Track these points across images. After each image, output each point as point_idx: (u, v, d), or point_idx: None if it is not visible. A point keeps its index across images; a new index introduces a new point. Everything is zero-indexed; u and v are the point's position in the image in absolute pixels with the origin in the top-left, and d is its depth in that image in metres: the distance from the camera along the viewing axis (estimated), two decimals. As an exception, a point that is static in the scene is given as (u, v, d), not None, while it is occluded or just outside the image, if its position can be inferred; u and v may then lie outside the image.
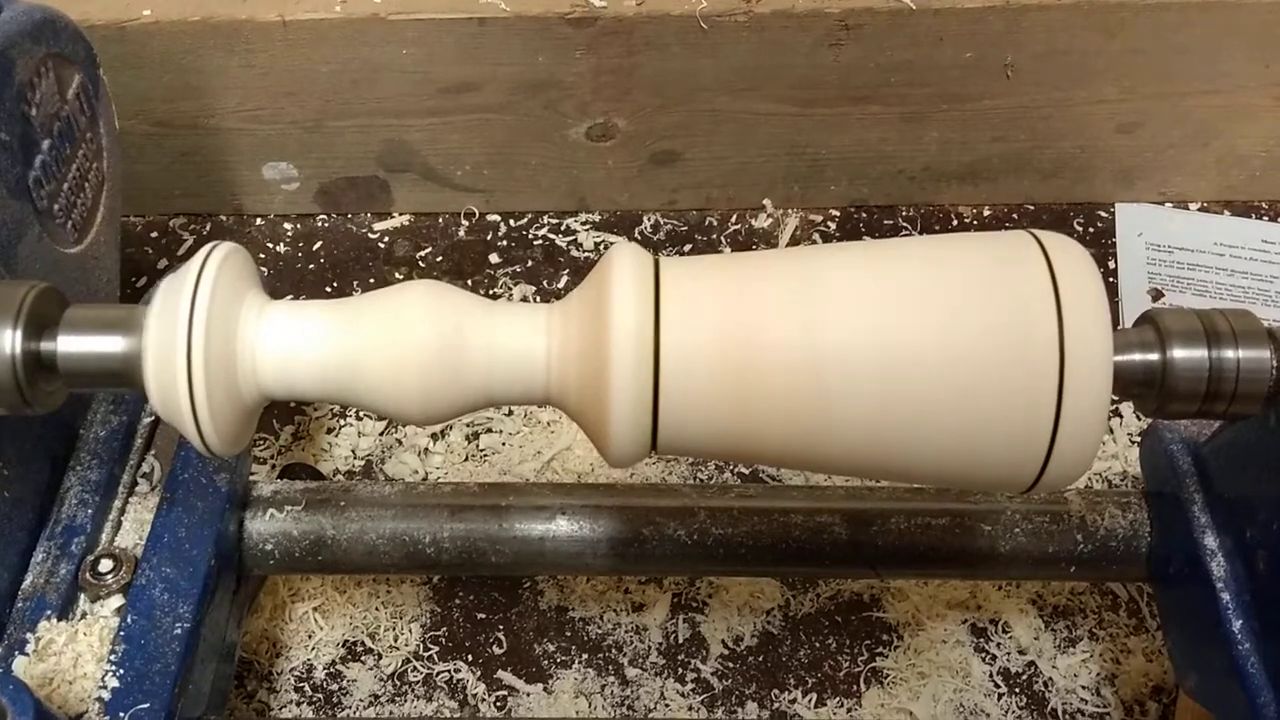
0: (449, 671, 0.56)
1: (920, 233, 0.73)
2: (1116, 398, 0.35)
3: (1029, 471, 0.35)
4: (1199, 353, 0.36)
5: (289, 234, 0.73)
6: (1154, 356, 0.37)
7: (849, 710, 0.55)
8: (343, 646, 0.57)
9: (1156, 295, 0.69)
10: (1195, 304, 0.69)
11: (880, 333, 0.34)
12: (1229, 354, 0.36)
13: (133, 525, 0.47)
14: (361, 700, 0.55)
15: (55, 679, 0.42)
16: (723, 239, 0.73)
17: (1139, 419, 0.64)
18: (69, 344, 0.36)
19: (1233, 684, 0.44)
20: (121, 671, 0.42)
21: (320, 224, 0.74)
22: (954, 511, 0.50)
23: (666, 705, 0.55)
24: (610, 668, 0.56)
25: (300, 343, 0.36)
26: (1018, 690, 0.56)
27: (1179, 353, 0.36)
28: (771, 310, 0.34)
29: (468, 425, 0.64)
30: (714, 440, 0.35)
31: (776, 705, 0.55)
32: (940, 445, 0.34)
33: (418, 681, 0.56)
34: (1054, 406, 0.33)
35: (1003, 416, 0.33)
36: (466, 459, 0.63)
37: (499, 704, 0.55)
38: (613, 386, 0.33)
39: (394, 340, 0.35)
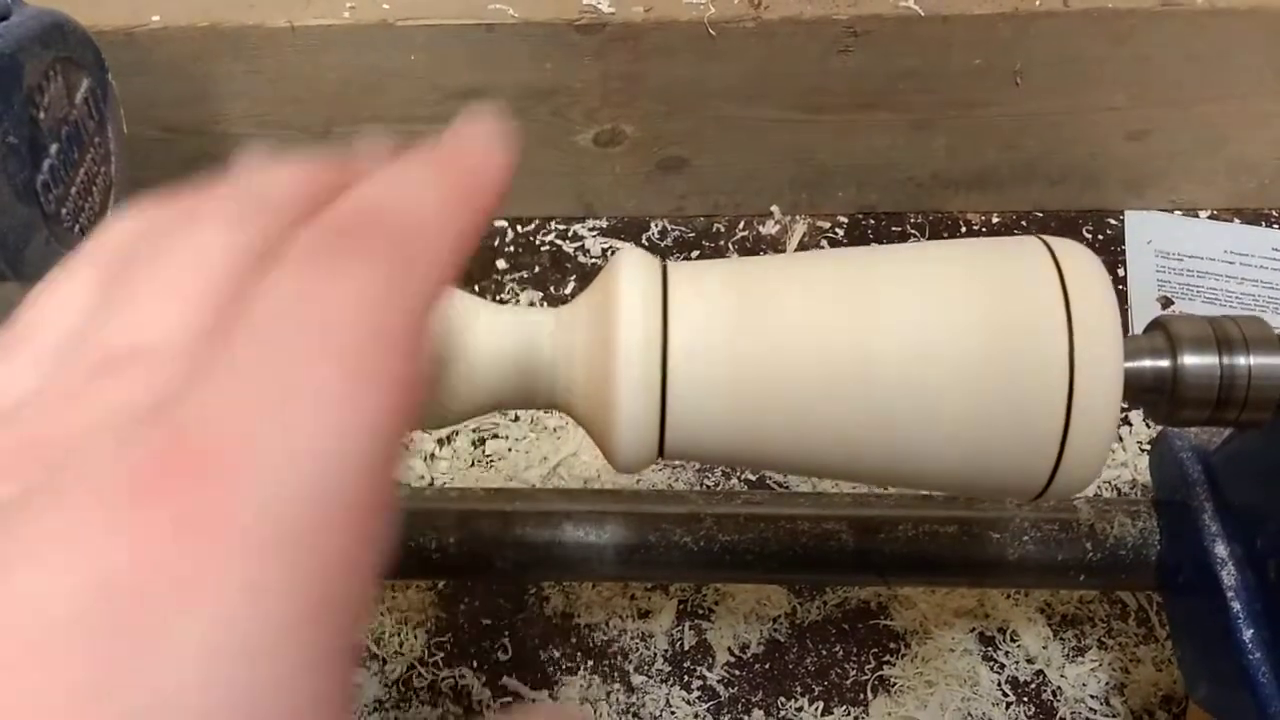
0: (454, 678, 0.56)
1: (929, 239, 0.73)
2: (1126, 405, 0.35)
3: (1038, 478, 0.34)
4: (1210, 359, 0.36)
5: (296, 239, 0.73)
6: (1164, 363, 0.36)
7: (856, 718, 0.55)
8: (348, 652, 0.57)
9: (1166, 303, 0.69)
10: (1205, 312, 0.68)
11: (889, 337, 0.33)
12: (1240, 361, 0.36)
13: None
14: (365, 706, 0.55)
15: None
16: (730, 245, 0.73)
17: (1148, 426, 0.64)
18: (75, 347, 0.36)
19: (1244, 694, 0.44)
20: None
21: (328, 229, 0.74)
22: (962, 519, 0.50)
23: (672, 713, 0.55)
24: (616, 674, 0.56)
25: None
26: (1026, 699, 0.55)
27: (1190, 359, 0.36)
28: (779, 315, 0.34)
29: (474, 430, 0.64)
30: (721, 445, 0.35)
31: (783, 713, 0.55)
32: (948, 451, 0.34)
33: (422, 688, 0.56)
34: (1064, 412, 0.33)
35: (1012, 422, 0.33)
36: (472, 464, 0.63)
37: (504, 710, 0.55)
38: (620, 391, 0.33)
39: (400, 344, 0.35)
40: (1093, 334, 0.33)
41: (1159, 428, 0.58)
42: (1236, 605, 0.45)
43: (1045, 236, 0.36)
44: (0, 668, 0.13)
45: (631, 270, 0.35)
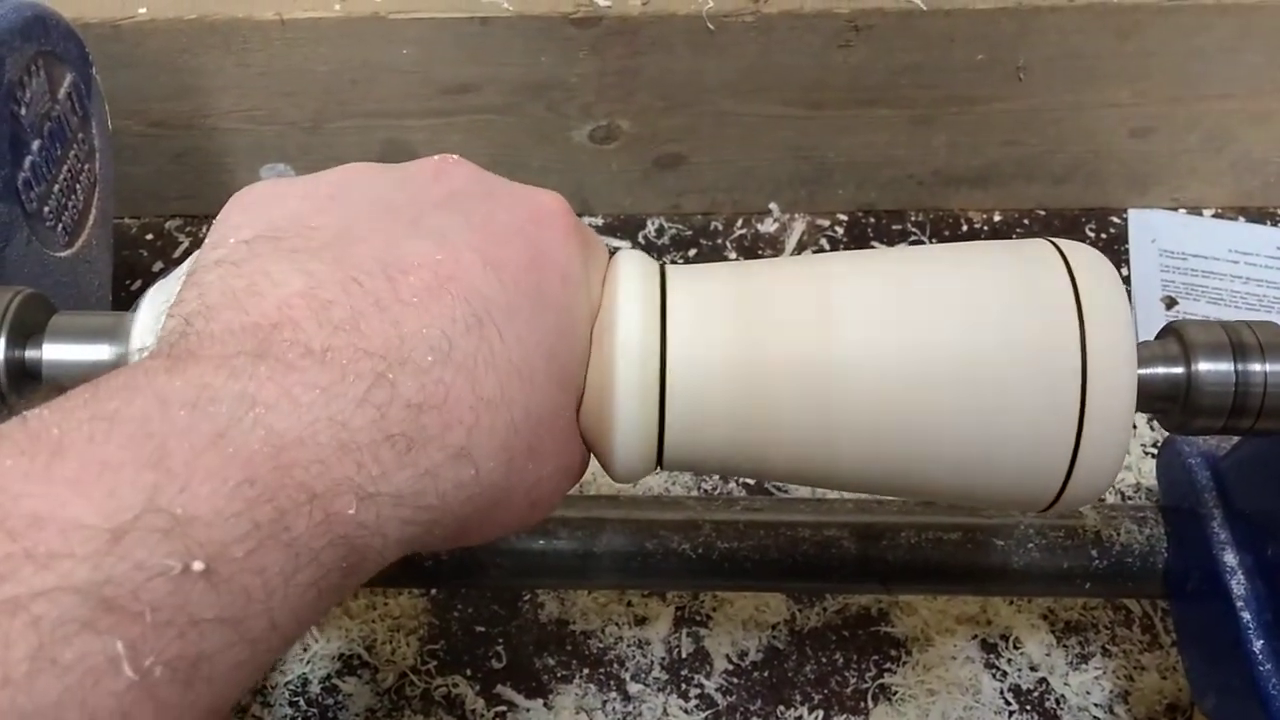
0: (447, 686, 0.55)
1: (930, 238, 0.72)
2: (1137, 412, 0.34)
3: (1049, 490, 0.33)
4: (1224, 366, 0.35)
5: (287, 237, 0.72)
6: (1178, 370, 0.35)
7: (856, 727, 0.54)
8: (339, 660, 0.56)
9: (1170, 303, 0.68)
10: (1209, 312, 0.68)
11: (894, 346, 0.32)
12: (1255, 367, 0.35)
13: (122, 537, 0.45)
14: (358, 715, 0.54)
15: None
16: (728, 243, 0.72)
17: (1152, 429, 0.63)
18: (54, 352, 0.35)
19: (1254, 706, 0.43)
20: (109, 689, 0.41)
21: (318, 226, 0.72)
22: (966, 526, 0.49)
23: (669, 721, 0.54)
24: (612, 683, 0.55)
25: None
26: (1029, 708, 0.54)
27: (1204, 366, 0.35)
28: (782, 321, 0.33)
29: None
30: (722, 455, 0.34)
31: (782, 722, 0.54)
32: (957, 462, 0.33)
33: (415, 697, 0.55)
34: (1075, 422, 0.32)
35: (1022, 433, 0.32)
36: (466, 467, 0.62)
37: None
38: (617, 399, 0.32)
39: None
40: (1106, 342, 0.32)
41: (1165, 431, 0.57)
42: (1246, 615, 0.44)
43: (1056, 240, 0.35)
44: (483, 225, 0.31)
45: (629, 273, 0.34)
